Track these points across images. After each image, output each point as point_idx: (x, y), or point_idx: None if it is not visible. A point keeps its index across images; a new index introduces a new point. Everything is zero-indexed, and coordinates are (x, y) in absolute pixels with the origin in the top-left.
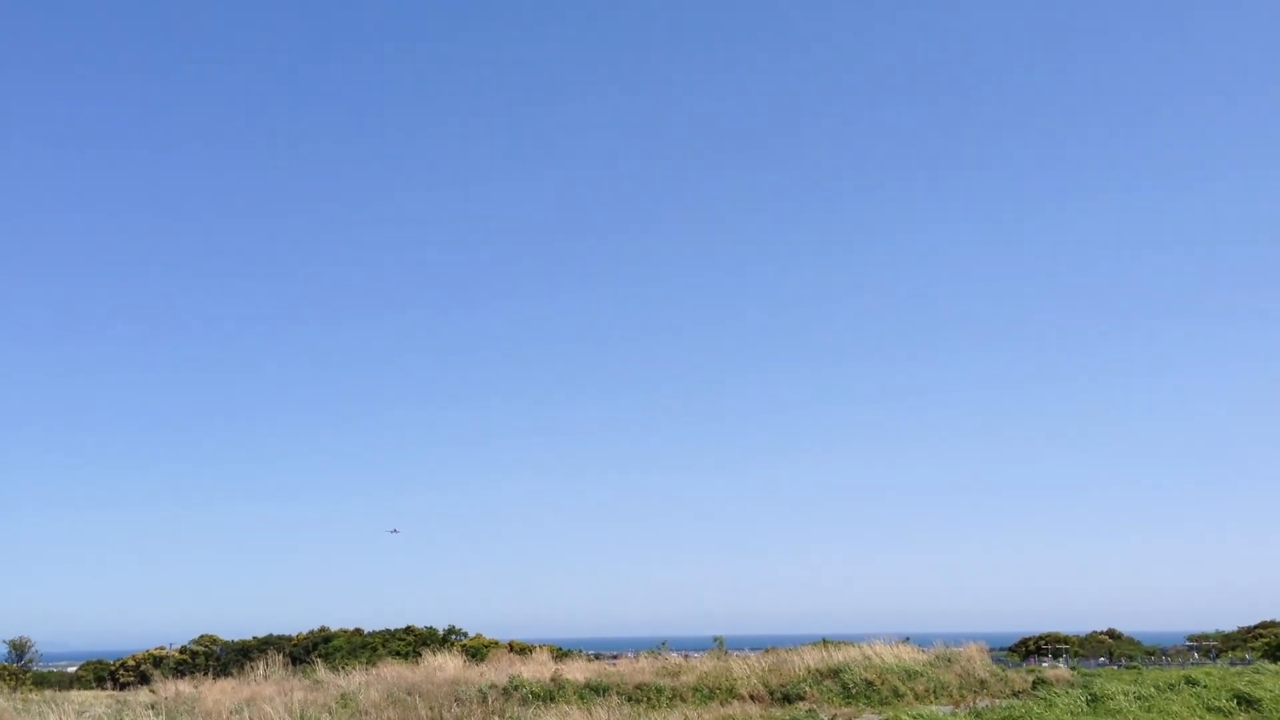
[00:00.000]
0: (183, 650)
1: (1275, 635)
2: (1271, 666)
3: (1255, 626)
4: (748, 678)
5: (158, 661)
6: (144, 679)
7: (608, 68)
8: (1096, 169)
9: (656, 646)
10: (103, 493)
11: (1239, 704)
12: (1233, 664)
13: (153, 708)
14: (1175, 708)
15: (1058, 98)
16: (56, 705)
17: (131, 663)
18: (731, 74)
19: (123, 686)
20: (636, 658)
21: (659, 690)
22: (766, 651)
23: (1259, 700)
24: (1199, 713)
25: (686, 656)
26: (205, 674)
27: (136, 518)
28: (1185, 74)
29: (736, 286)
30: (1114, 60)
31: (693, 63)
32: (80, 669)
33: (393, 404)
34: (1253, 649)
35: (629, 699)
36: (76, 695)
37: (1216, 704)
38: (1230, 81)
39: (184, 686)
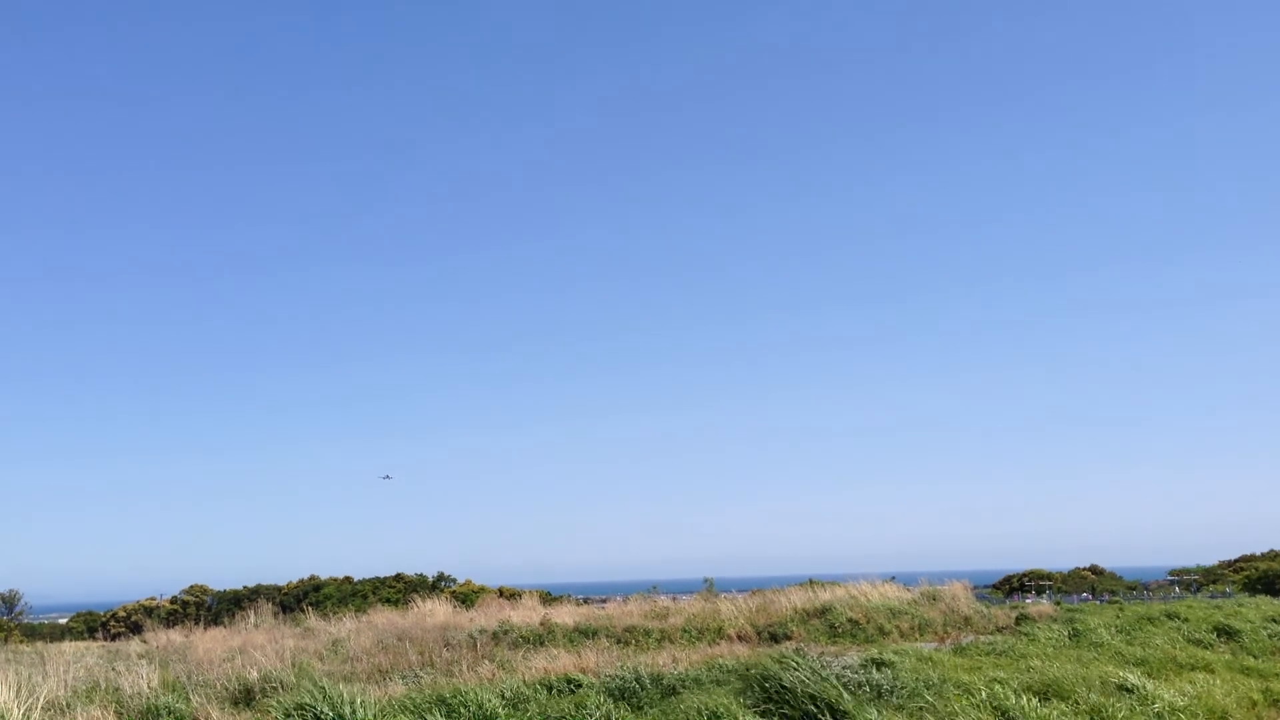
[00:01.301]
0: (173, 600)
1: (1255, 569)
2: (1250, 599)
3: (1235, 560)
4: (735, 618)
5: (149, 612)
6: (135, 629)
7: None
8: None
9: (647, 590)
10: (91, 443)
11: (1219, 636)
12: (1213, 597)
13: (144, 657)
14: (1157, 640)
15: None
16: (48, 656)
17: (122, 614)
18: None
19: (114, 637)
20: (626, 601)
21: (647, 632)
22: (754, 593)
23: (1239, 632)
24: (1180, 645)
25: (675, 599)
26: (196, 623)
27: (125, 468)
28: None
29: (721, 230)
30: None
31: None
32: (71, 620)
33: (380, 352)
34: (1232, 582)
35: (618, 641)
36: (68, 646)
37: (1197, 636)
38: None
39: (175, 636)
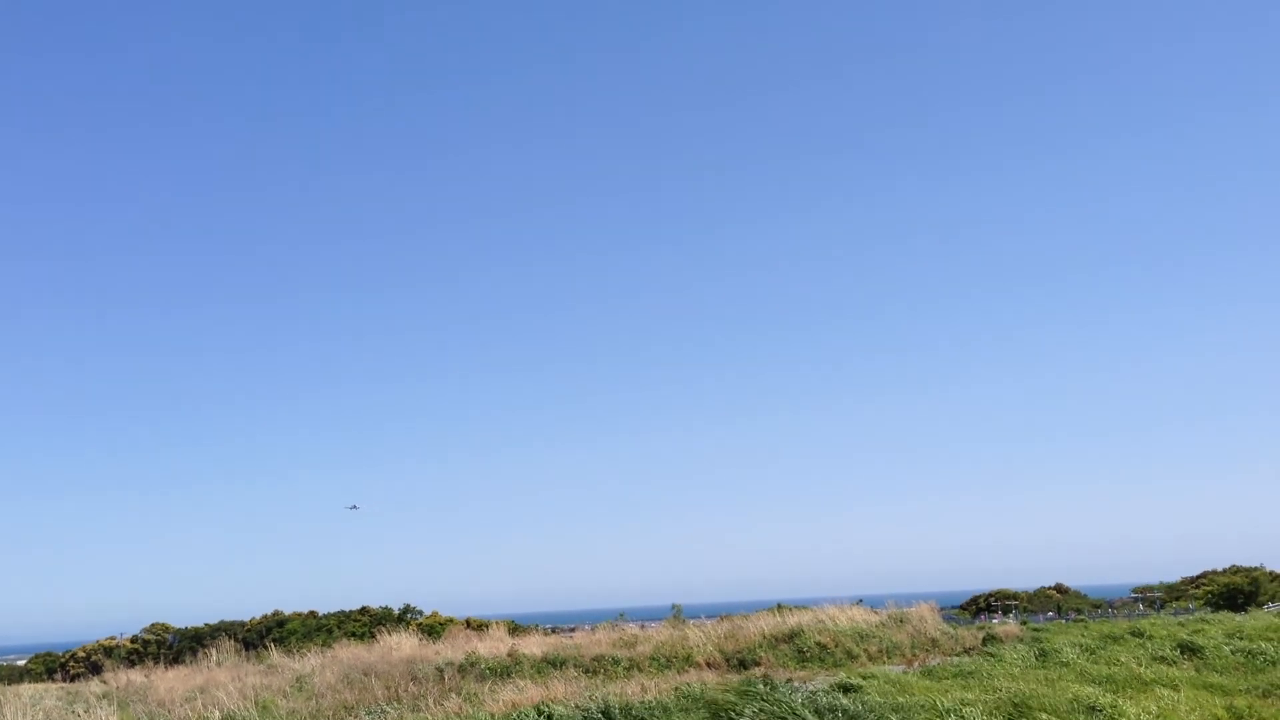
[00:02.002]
0: (134, 640)
1: (1217, 584)
2: (1214, 615)
3: (1197, 577)
4: (704, 645)
5: (109, 651)
6: (95, 669)
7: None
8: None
9: (614, 618)
10: (47, 481)
11: (1183, 652)
12: (1176, 614)
13: (105, 697)
14: (1122, 658)
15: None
16: (5, 699)
17: (82, 654)
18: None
19: (74, 678)
20: (594, 630)
21: (616, 661)
22: (722, 619)
23: (1202, 648)
24: (1145, 663)
25: (643, 626)
26: (157, 662)
27: (84, 507)
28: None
29: (686, 255)
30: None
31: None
32: (30, 661)
33: (340, 384)
34: (1195, 599)
35: (586, 671)
36: (26, 689)
37: (1162, 653)
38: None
39: (136, 676)
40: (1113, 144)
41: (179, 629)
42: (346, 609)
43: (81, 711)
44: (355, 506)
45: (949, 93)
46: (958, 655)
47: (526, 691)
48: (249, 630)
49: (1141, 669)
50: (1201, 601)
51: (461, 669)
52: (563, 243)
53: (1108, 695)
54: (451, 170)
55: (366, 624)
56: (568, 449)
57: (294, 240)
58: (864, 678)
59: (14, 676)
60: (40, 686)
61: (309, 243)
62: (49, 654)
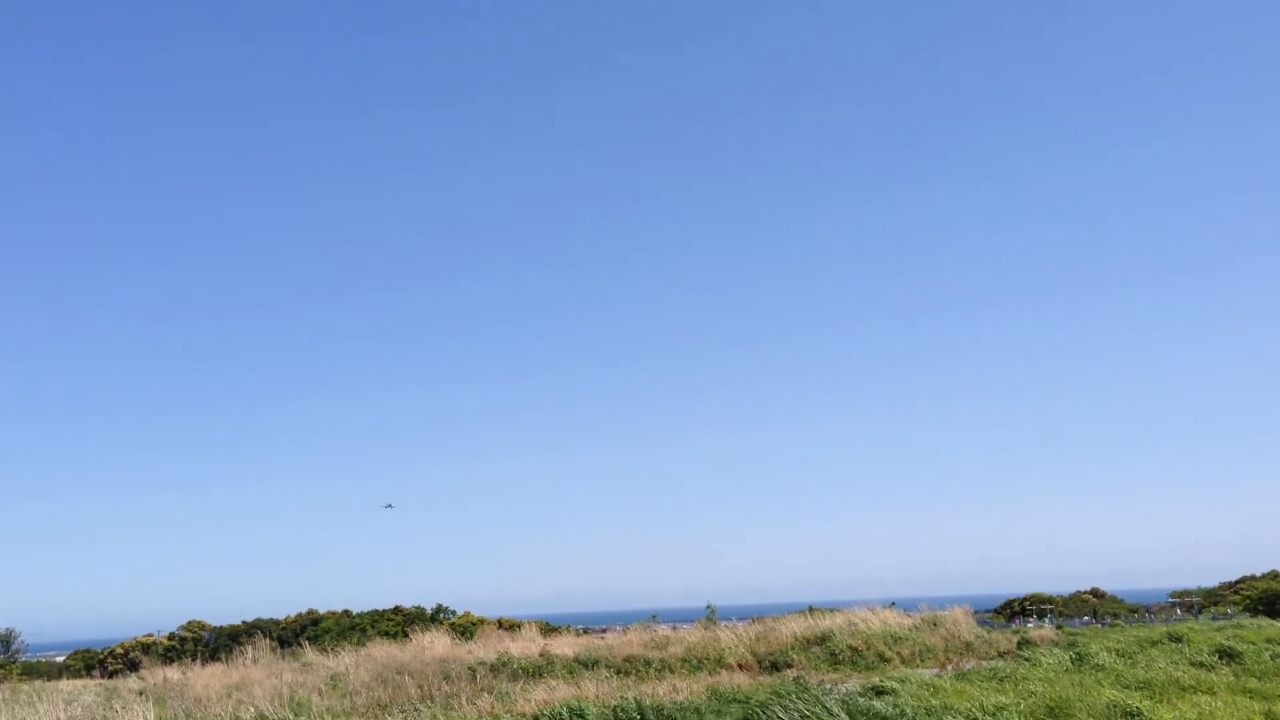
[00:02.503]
0: (171, 637)
1: (1256, 590)
2: (1252, 620)
3: (1236, 581)
4: (735, 647)
5: (146, 649)
6: (133, 666)
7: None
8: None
9: (646, 619)
10: (87, 480)
11: (1220, 658)
12: (1214, 619)
13: (141, 694)
14: (1159, 663)
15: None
16: (45, 695)
17: (120, 650)
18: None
19: (111, 674)
20: (625, 631)
21: (647, 662)
22: (753, 621)
23: (1240, 653)
24: (1182, 667)
25: (675, 628)
26: (194, 660)
27: (122, 506)
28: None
29: (703, 264)
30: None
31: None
32: (69, 658)
33: (375, 385)
34: (1234, 604)
35: (618, 671)
36: (65, 685)
37: (1199, 659)
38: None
39: (172, 673)
40: (1116, 154)
41: (215, 627)
42: (380, 608)
43: (119, 708)
44: (390, 505)
45: (952, 104)
46: (992, 659)
47: (558, 691)
48: (284, 628)
49: (1178, 674)
50: (1240, 607)
51: (494, 668)
52: (595, 246)
53: (1145, 700)
54: (476, 175)
55: (399, 623)
56: (601, 451)
57: (317, 243)
58: (897, 681)
59: (53, 673)
60: (79, 683)
61: (334, 245)
62: (88, 651)
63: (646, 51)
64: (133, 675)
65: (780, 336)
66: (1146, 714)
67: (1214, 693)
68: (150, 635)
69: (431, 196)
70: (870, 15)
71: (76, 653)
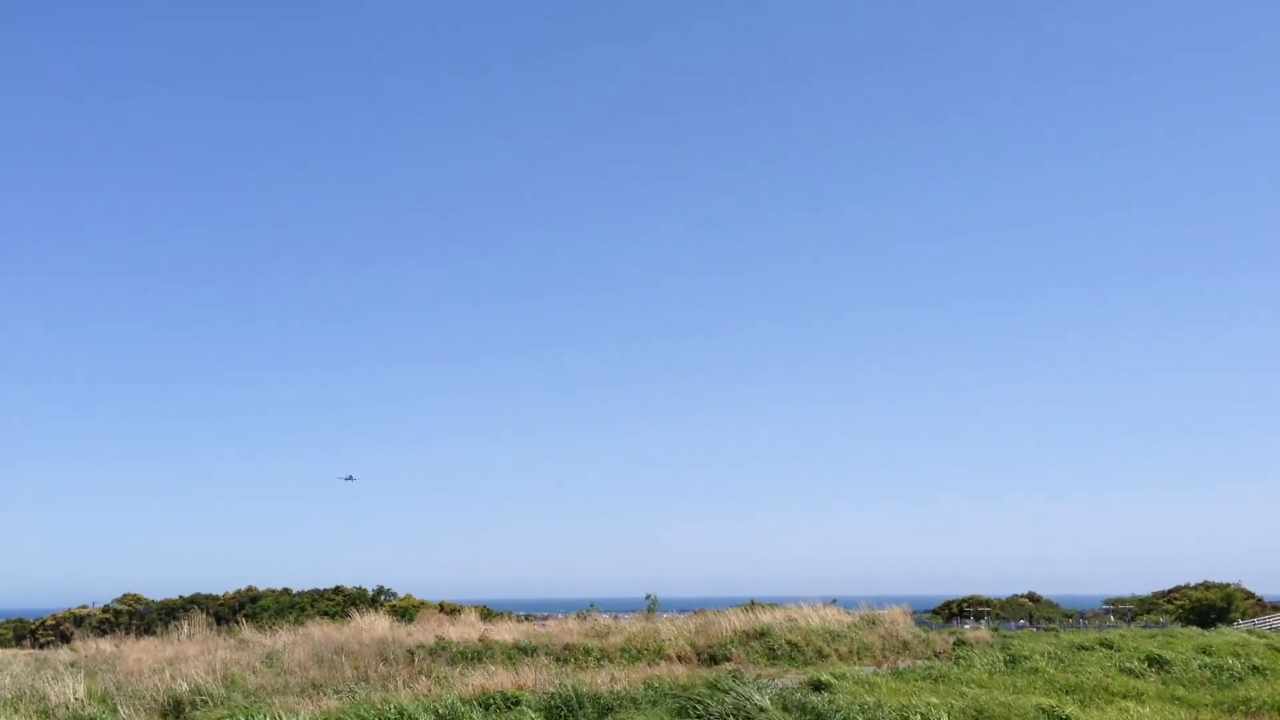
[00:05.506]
0: (105, 609)
1: (1189, 599)
2: (1183, 630)
3: (1169, 591)
4: (675, 639)
5: (79, 620)
6: (65, 638)
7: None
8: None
9: (585, 608)
10: (23, 448)
11: (1150, 665)
12: (1146, 627)
13: (73, 665)
14: (1090, 668)
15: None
16: None
17: (52, 621)
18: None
19: (43, 645)
20: (566, 619)
21: (587, 651)
22: (694, 613)
23: (1170, 662)
24: (1112, 673)
25: (616, 618)
26: (128, 633)
27: (59, 476)
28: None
29: (662, 251)
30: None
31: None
32: None
33: (323, 363)
34: (1166, 612)
35: (557, 659)
36: None
37: (1129, 665)
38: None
39: (105, 645)
40: (1117, 150)
41: (152, 601)
42: (321, 588)
43: (48, 678)
44: (351, 478)
45: (951, 96)
46: (928, 659)
47: (496, 677)
48: (222, 604)
49: (1109, 679)
50: (1173, 616)
51: (432, 652)
52: (563, 232)
53: (1073, 705)
54: (458, 157)
55: (340, 603)
56: (547, 439)
57: (289, 221)
58: (834, 676)
59: None
60: (8, 652)
61: (306, 223)
62: (20, 620)
63: (635, 40)
64: (64, 647)
65: (728, 331)
66: (1075, 719)
67: (1142, 699)
68: (85, 607)
69: (412, 177)
70: (861, 7)
71: (7, 622)
